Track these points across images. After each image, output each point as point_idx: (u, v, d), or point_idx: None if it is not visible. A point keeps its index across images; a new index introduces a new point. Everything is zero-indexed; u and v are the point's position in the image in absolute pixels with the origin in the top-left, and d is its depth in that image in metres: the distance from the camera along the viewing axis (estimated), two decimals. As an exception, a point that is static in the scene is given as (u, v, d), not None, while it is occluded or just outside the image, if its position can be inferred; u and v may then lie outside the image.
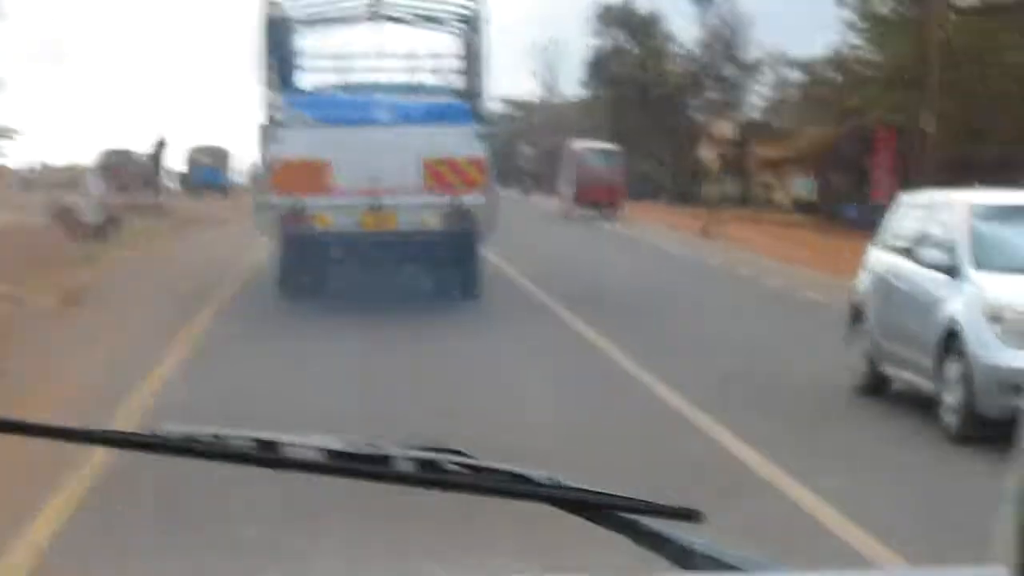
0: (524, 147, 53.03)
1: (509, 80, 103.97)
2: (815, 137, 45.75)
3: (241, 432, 1.76)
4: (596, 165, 38.64)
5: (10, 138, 44.38)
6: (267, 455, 1.72)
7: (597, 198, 37.65)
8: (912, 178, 29.86)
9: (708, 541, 1.69)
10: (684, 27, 73.62)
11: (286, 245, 17.25)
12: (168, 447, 1.74)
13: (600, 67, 62.49)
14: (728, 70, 60.23)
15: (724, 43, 60.12)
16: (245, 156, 60.48)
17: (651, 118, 58.31)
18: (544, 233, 34.74)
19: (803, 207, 45.85)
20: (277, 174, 16.54)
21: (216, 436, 1.74)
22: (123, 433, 1.91)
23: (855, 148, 40.65)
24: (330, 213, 16.60)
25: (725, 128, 40.04)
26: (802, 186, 48.36)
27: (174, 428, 1.75)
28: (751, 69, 59.73)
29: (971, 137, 28.79)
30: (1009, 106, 26.73)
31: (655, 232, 35.62)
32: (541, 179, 60.16)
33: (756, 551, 1.68)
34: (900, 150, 36.75)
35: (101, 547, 6.44)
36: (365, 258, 17.91)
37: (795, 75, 52.79)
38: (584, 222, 38.83)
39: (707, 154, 37.23)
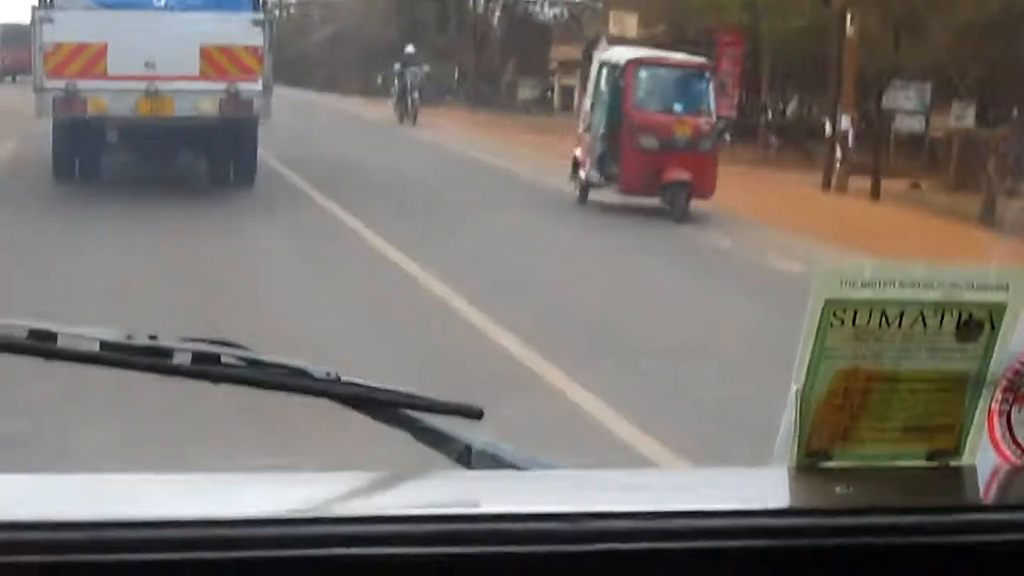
0: (408, 46, 37.62)
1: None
2: (599, 38, 44.52)
3: (13, 321, 1.69)
4: (667, 103, 19.33)
5: None
6: (42, 345, 1.66)
7: (669, 174, 18.25)
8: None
9: (488, 439, 1.72)
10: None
11: (60, 129, 17.80)
12: None
13: None
14: None
15: None
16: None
17: (440, 12, 55.11)
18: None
19: None
20: (50, 57, 16.92)
21: None
22: None
23: (689, 51, 37.36)
24: (105, 97, 17.08)
25: (630, 25, 30.12)
26: None
27: None
28: None
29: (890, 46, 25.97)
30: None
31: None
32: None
33: (536, 449, 1.70)
34: (745, 57, 32.36)
35: None
36: (141, 143, 18.61)
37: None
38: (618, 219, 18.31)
39: None
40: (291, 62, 52.22)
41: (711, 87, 19.73)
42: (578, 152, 19.40)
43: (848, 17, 24.23)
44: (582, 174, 19.17)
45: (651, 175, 18.10)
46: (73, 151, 18.05)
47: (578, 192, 19.21)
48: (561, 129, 36.39)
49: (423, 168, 23.87)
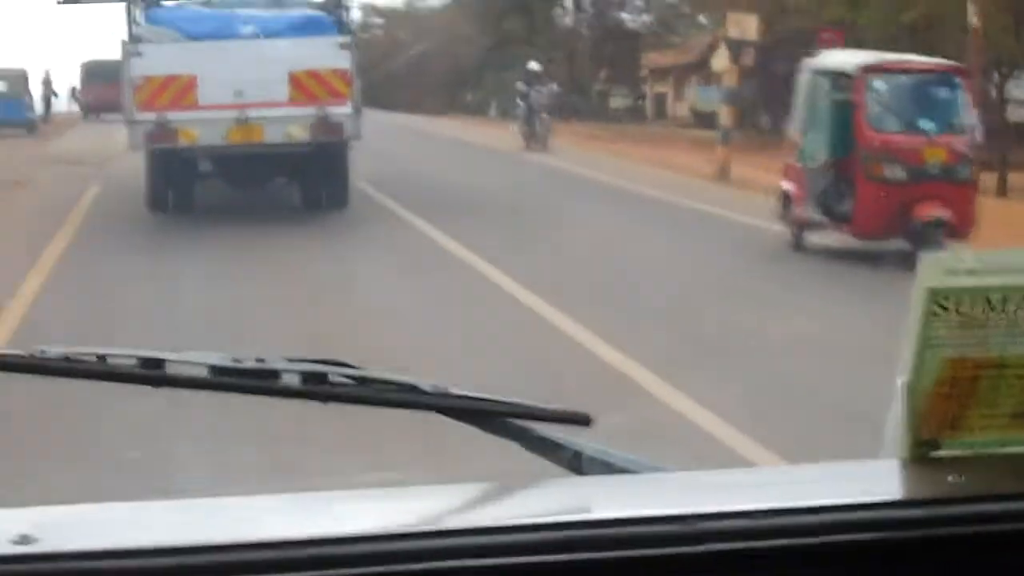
0: (531, 63, 34.43)
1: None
2: (717, 41, 43.03)
3: (123, 350, 1.73)
4: (914, 120, 15.26)
5: None
6: (151, 373, 1.70)
7: (921, 210, 14.49)
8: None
9: (599, 445, 1.72)
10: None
11: (152, 160, 18.14)
12: (47, 368, 1.70)
13: None
14: None
15: None
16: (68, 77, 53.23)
17: (528, 24, 53.50)
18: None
19: (704, 119, 40.53)
20: (140, 90, 17.18)
21: (98, 355, 1.71)
22: None
23: (783, 52, 32.11)
24: (196, 128, 17.29)
25: (749, 26, 27.21)
26: (704, 96, 43.78)
27: (52, 348, 1.71)
28: None
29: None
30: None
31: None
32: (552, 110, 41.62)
33: (646, 454, 1.71)
34: None
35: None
36: (232, 171, 18.84)
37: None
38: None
39: (722, 63, 26.20)
40: (377, 83, 51.58)
41: (965, 96, 15.36)
42: (788, 186, 15.58)
43: (970, 7, 22.80)
44: (797, 212, 15.32)
45: (896, 213, 14.25)
46: (166, 182, 18.38)
47: (791, 235, 15.43)
48: (659, 138, 35.72)
49: (538, 190, 21.89)
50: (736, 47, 25.39)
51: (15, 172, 24.07)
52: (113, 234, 17.08)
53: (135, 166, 18.57)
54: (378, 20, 68.29)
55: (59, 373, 1.71)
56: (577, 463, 1.71)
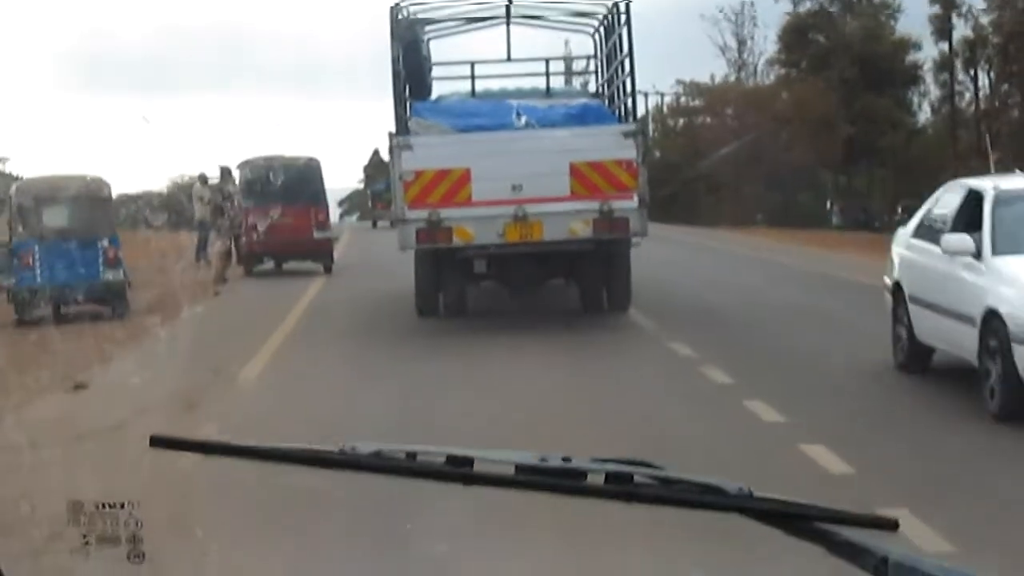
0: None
1: (688, 60, 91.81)
2: None
3: (432, 448, 1.91)
4: None
5: None
6: (460, 471, 1.86)
7: None
8: None
9: (905, 551, 1.80)
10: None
11: (423, 261, 17.83)
12: (359, 464, 1.89)
13: (801, 37, 51.54)
14: None
15: None
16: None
17: (880, 109, 48.77)
18: None
19: None
20: (410, 186, 16.83)
21: (408, 452, 1.89)
22: (312, 451, 1.99)
23: None
24: (470, 225, 16.83)
25: None
26: None
27: (363, 445, 1.90)
28: None
29: None
30: None
31: None
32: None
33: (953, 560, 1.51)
34: None
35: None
36: (507, 271, 18.30)
37: None
38: None
39: None
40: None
41: None
42: None
43: None
44: None
45: None
46: (437, 284, 18.05)
47: None
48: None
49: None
50: None
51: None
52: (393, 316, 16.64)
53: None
54: (696, 102, 61.93)
55: (370, 469, 1.91)
56: (883, 569, 1.76)
